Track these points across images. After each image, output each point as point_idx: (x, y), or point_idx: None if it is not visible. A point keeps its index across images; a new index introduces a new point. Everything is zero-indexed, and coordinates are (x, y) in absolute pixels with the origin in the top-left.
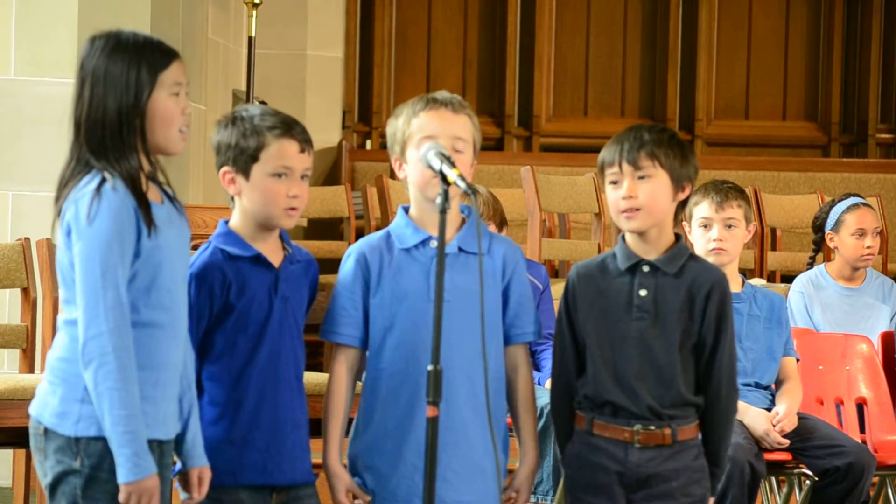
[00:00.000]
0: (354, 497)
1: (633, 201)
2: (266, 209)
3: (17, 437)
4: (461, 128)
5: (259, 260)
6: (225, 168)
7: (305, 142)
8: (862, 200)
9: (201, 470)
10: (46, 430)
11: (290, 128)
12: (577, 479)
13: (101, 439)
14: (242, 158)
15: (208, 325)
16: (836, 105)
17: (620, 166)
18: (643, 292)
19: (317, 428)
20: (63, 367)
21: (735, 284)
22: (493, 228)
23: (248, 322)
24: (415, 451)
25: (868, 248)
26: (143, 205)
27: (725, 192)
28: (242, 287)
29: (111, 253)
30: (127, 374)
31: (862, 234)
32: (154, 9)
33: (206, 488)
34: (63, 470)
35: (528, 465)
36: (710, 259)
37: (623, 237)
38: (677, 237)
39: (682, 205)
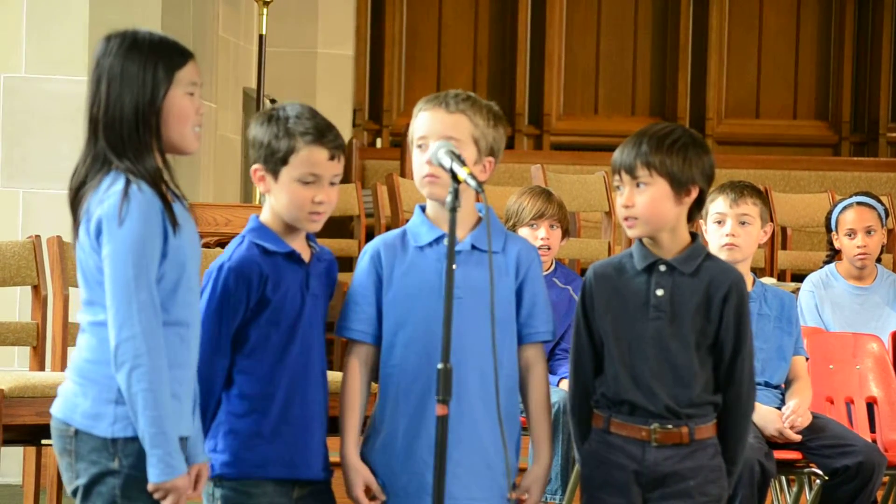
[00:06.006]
0: (369, 494)
1: (631, 210)
2: (291, 212)
3: (27, 435)
4: (453, 127)
5: (292, 256)
6: (256, 165)
7: (336, 148)
8: (858, 199)
9: (201, 467)
10: (77, 432)
11: (322, 134)
12: (593, 478)
13: (138, 439)
14: (273, 159)
15: (244, 318)
16: (846, 104)
17: (620, 174)
18: (660, 292)
19: (332, 425)
20: (92, 368)
21: (746, 283)
22: (559, 233)
23: (282, 317)
24: (426, 448)
25: (859, 247)
26: (167, 205)
27: (742, 189)
28: (278, 282)
29: (143, 254)
30: (159, 376)
31: (852, 233)
32: (165, 6)
33: (202, 485)
34: (100, 471)
35: (542, 465)
36: (723, 255)
37: (640, 238)
38: (694, 236)
39: (699, 204)
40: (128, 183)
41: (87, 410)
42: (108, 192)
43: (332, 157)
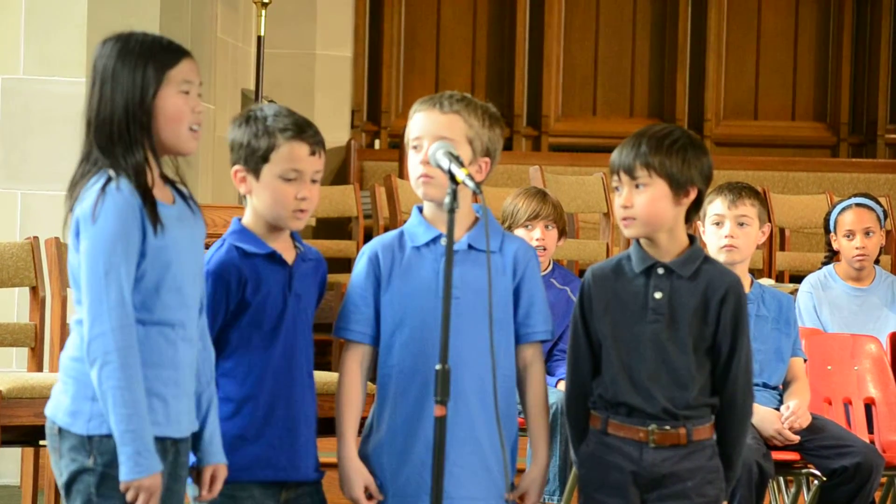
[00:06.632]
0: (366, 494)
1: (629, 211)
2: (274, 210)
3: (25, 436)
4: (447, 127)
5: (274, 257)
6: (237, 167)
7: (317, 144)
8: (857, 201)
9: (216, 467)
10: (60, 430)
11: (301, 130)
12: (591, 479)
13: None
14: (253, 159)
15: (224, 321)
16: (845, 105)
17: (619, 175)
18: (658, 295)
19: (326, 427)
20: (74, 366)
21: (744, 284)
22: (554, 234)
23: (264, 319)
24: (423, 448)
25: (857, 248)
26: (149, 203)
27: (739, 190)
28: (258, 284)
29: (115, 252)
30: (130, 373)
31: (851, 235)
32: (163, 8)
33: (218, 487)
34: (77, 468)
35: (540, 466)
36: (721, 256)
37: (637, 240)
38: (692, 239)
39: (697, 206)
40: (108, 181)
41: (67, 408)
42: (88, 192)
43: (312, 153)
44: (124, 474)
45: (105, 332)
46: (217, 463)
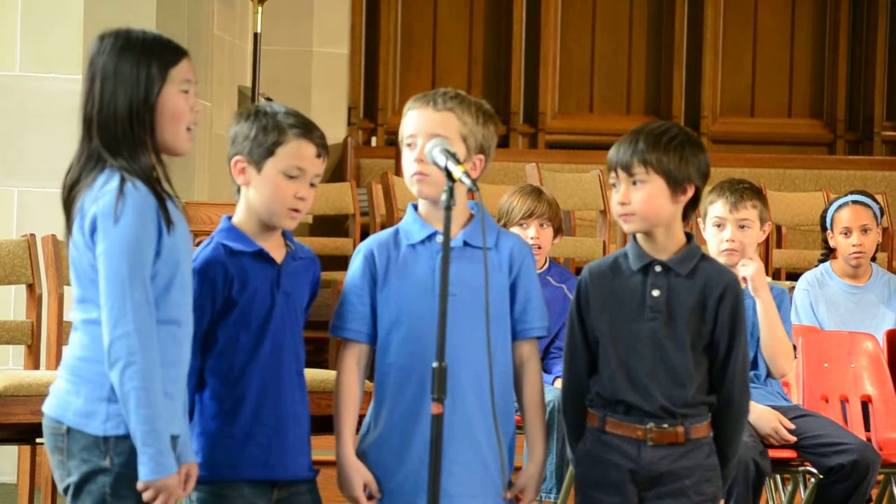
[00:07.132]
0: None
1: (627, 207)
2: (271, 205)
3: (22, 434)
4: (441, 125)
5: (261, 255)
6: (238, 157)
7: (322, 148)
8: (854, 198)
9: (190, 467)
10: (70, 430)
11: (310, 130)
12: (588, 477)
13: (130, 438)
14: (259, 151)
15: (210, 320)
16: (841, 102)
17: (616, 171)
18: (656, 292)
19: (319, 425)
20: (84, 366)
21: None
22: (550, 232)
23: (251, 317)
24: (421, 446)
25: (854, 245)
26: (162, 203)
27: (741, 192)
28: (244, 282)
29: (138, 252)
30: (152, 374)
31: (847, 232)
32: (160, 5)
33: (191, 486)
34: (91, 469)
35: (536, 463)
36: (722, 259)
37: (634, 237)
38: (689, 237)
39: (694, 203)
40: (122, 181)
41: (79, 408)
42: (102, 190)
43: (318, 155)
44: (146, 474)
45: (130, 332)
46: (191, 462)
